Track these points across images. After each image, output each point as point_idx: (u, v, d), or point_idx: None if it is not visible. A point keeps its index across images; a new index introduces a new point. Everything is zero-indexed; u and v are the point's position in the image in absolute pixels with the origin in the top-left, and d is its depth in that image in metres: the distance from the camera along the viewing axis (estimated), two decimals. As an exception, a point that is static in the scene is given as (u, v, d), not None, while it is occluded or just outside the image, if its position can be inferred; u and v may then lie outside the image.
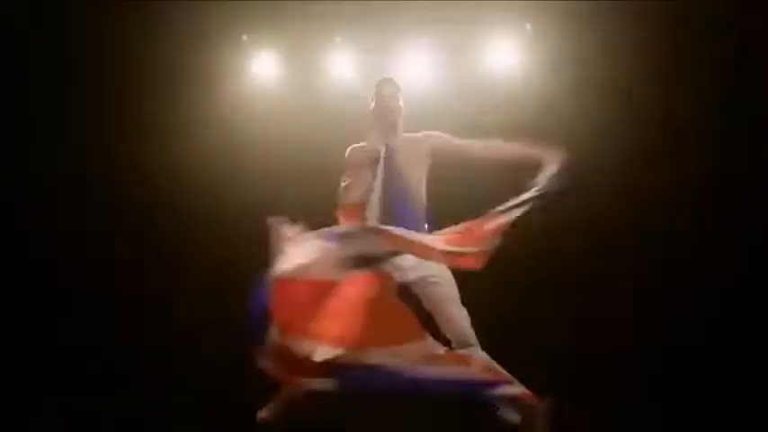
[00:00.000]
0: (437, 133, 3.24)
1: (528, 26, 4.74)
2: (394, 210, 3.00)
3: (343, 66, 4.90)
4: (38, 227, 4.84)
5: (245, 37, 4.95)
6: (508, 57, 4.77)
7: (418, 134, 3.24)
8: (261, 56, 4.97)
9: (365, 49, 4.84)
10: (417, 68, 4.81)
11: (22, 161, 4.85)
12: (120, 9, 4.65)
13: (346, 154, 3.25)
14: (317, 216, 4.61)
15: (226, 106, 4.97)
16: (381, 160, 2.92)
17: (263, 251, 5.07)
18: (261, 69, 4.99)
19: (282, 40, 4.94)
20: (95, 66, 4.84)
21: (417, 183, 3.16)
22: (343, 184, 3.16)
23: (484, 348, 3.00)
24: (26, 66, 4.81)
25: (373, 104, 3.23)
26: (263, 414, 3.24)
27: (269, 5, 4.80)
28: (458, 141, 3.22)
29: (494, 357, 3.26)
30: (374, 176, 3.00)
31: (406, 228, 2.84)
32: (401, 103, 3.22)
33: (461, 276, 2.97)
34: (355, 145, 3.25)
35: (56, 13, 4.71)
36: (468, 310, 2.99)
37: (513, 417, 3.25)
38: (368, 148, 3.07)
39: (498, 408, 3.26)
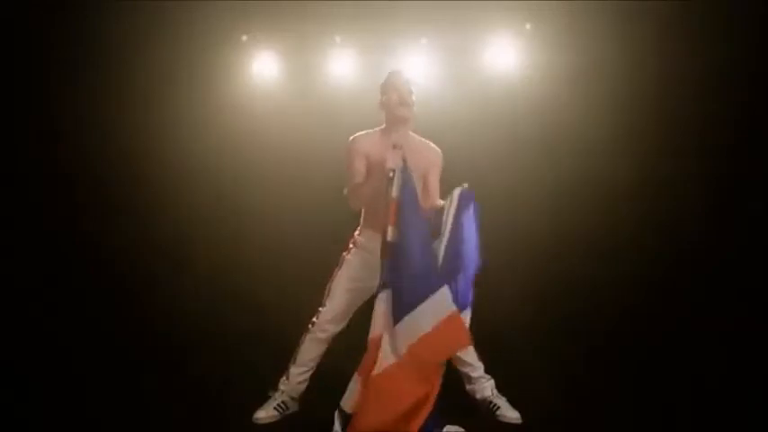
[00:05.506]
0: (440, 158, 3.28)
1: (528, 26, 4.74)
2: (405, 208, 2.90)
3: (342, 66, 4.90)
4: (33, 227, 4.83)
5: (245, 37, 4.95)
6: (508, 57, 4.77)
7: (432, 145, 3.28)
8: (261, 56, 4.97)
9: (365, 49, 4.84)
10: (417, 69, 4.80)
11: (21, 160, 4.84)
12: (120, 9, 4.65)
13: (350, 141, 3.22)
14: (316, 215, 4.66)
15: (226, 106, 4.98)
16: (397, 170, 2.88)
17: (262, 251, 5.10)
18: (261, 69, 4.99)
19: (282, 40, 4.94)
20: (95, 66, 4.83)
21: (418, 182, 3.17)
22: (355, 180, 3.11)
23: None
24: (26, 66, 4.80)
25: (386, 97, 3.19)
26: (259, 414, 3.25)
27: (269, 5, 4.80)
28: (435, 178, 3.27)
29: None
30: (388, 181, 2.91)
31: (414, 228, 2.88)
32: (414, 97, 3.19)
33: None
34: (358, 133, 3.23)
35: (55, 13, 4.71)
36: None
37: (513, 416, 3.26)
38: (387, 165, 2.94)
39: (498, 407, 3.27)
